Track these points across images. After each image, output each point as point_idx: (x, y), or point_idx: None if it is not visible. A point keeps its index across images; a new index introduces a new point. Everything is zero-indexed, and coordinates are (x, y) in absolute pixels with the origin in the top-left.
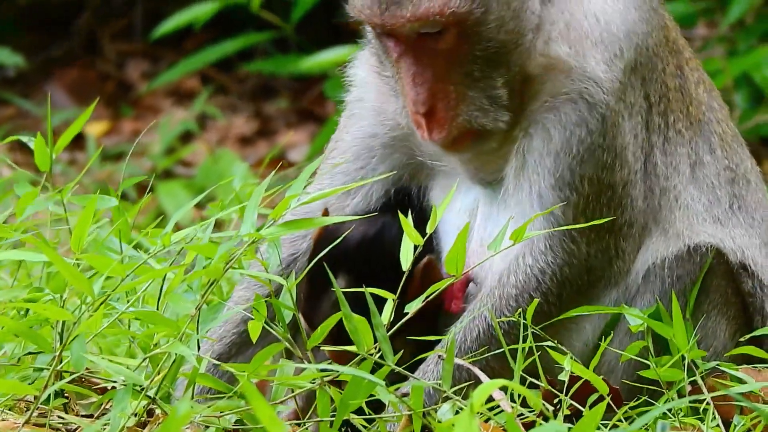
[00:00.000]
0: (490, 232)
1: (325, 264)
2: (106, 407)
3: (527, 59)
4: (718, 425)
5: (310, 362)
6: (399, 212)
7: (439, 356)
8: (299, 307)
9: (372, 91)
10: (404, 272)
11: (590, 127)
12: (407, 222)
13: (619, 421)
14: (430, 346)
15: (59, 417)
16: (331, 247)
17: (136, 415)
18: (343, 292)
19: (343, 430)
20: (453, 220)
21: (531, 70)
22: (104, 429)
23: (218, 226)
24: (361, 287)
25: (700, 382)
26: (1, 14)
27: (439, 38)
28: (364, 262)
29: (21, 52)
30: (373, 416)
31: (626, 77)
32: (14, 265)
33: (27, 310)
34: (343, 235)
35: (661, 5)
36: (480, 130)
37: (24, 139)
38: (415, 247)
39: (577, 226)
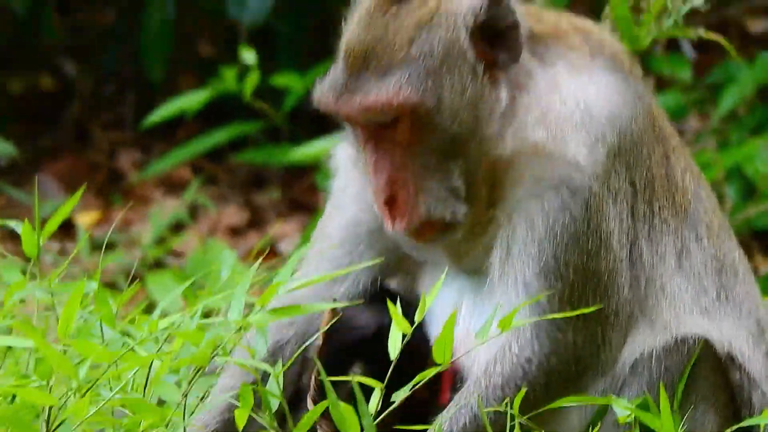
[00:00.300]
0: (477, 321)
1: (338, 351)
2: None
3: (493, 148)
4: None
5: None
6: (388, 300)
7: None
8: (312, 395)
9: (355, 179)
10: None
11: (574, 214)
12: (395, 310)
13: None
14: None
15: None
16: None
17: None
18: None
19: None
20: (440, 309)
21: (501, 156)
22: None
23: (206, 315)
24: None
25: None
26: None
27: (395, 128)
28: (384, 350)
29: (12, 141)
30: None
31: (610, 162)
32: (1, 351)
33: (14, 396)
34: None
35: (646, 92)
36: (442, 222)
37: (11, 224)
38: (404, 336)
39: (564, 314)
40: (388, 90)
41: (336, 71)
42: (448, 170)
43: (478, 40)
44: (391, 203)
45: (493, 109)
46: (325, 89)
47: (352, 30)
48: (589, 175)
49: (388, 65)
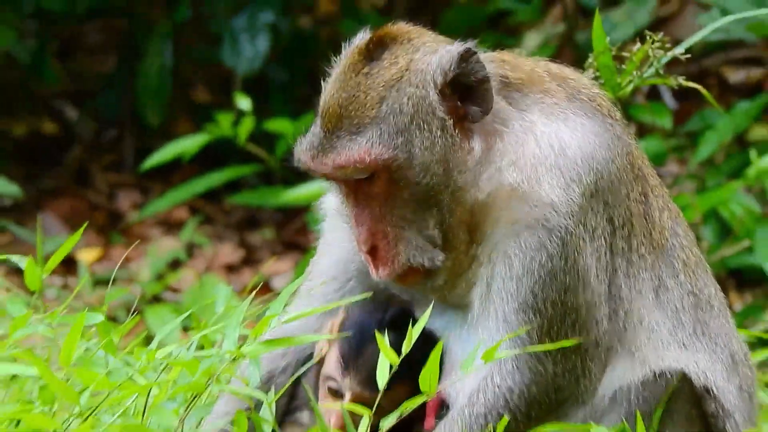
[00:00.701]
0: (461, 354)
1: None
2: None
3: (467, 192)
4: None
5: None
6: (376, 332)
7: None
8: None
9: (341, 225)
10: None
11: (550, 251)
12: (383, 341)
13: None
14: None
15: None
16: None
17: None
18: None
19: None
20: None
21: (477, 200)
22: None
23: (202, 346)
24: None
25: None
26: None
27: (372, 182)
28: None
29: (16, 182)
30: None
31: (586, 201)
32: (7, 379)
33: (18, 421)
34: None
35: (626, 134)
36: (422, 268)
37: (15, 259)
38: (391, 367)
39: (543, 347)
40: (360, 148)
41: (313, 130)
42: (424, 220)
43: (448, 95)
44: (373, 253)
45: (464, 160)
46: (304, 149)
47: (328, 89)
48: (564, 215)
49: (359, 124)
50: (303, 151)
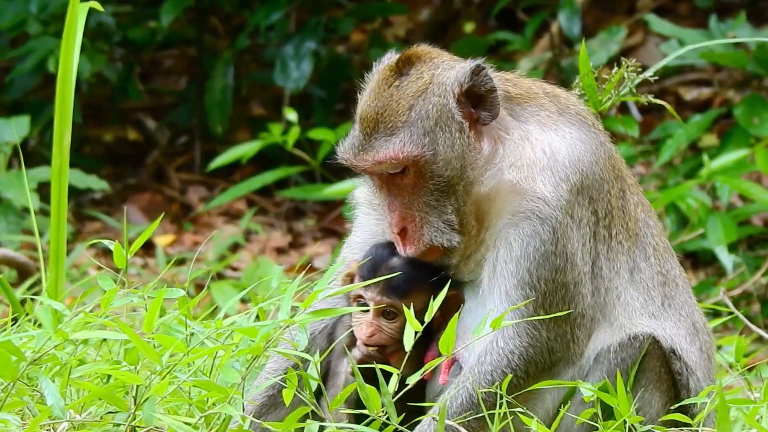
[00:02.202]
0: (472, 321)
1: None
2: None
3: (476, 186)
4: None
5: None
6: (404, 306)
7: (433, 418)
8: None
9: (370, 211)
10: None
11: (543, 238)
12: (409, 312)
13: None
14: (425, 410)
15: None
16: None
17: None
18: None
19: None
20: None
21: (481, 193)
22: None
23: (259, 317)
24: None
25: None
26: (91, 151)
27: (403, 176)
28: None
29: (105, 179)
30: None
31: (573, 197)
32: (98, 343)
33: (109, 377)
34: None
35: (607, 141)
36: (442, 248)
37: (105, 242)
38: (415, 333)
39: (539, 318)
40: (394, 148)
41: (353, 134)
42: (444, 207)
43: (464, 103)
44: (402, 234)
45: (477, 157)
46: (346, 149)
47: (364, 100)
48: (554, 207)
49: (393, 128)
50: (345, 150)
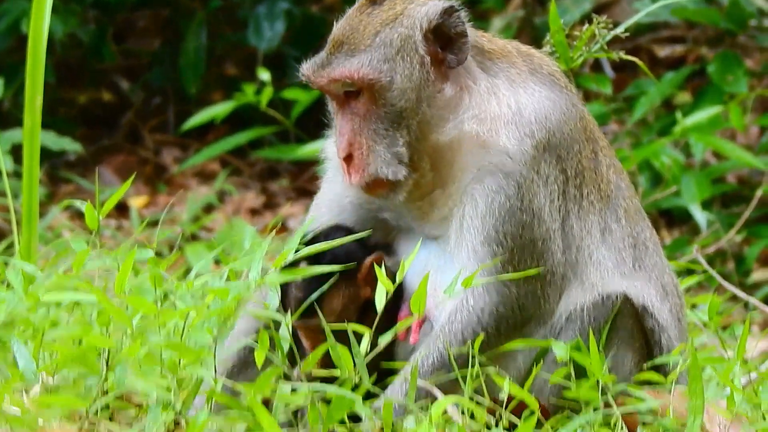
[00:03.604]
0: (442, 280)
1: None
2: (142, 418)
3: (434, 130)
4: None
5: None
6: (375, 264)
7: (405, 378)
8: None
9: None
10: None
11: (508, 193)
12: (381, 271)
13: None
14: (396, 371)
15: (105, 427)
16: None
17: (165, 424)
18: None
19: None
20: (413, 269)
21: (440, 141)
22: None
23: (232, 278)
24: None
25: (611, 400)
26: (65, 113)
27: (357, 99)
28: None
29: (79, 141)
30: (353, 427)
31: (539, 153)
32: (70, 306)
33: (80, 341)
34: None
35: (579, 103)
36: (387, 181)
37: (77, 203)
38: (387, 293)
39: (509, 276)
40: (351, 67)
41: (319, 54)
42: (395, 138)
43: (431, 40)
44: (348, 160)
45: (434, 96)
46: (308, 66)
47: (338, 25)
48: (518, 162)
49: (355, 49)
50: (307, 67)
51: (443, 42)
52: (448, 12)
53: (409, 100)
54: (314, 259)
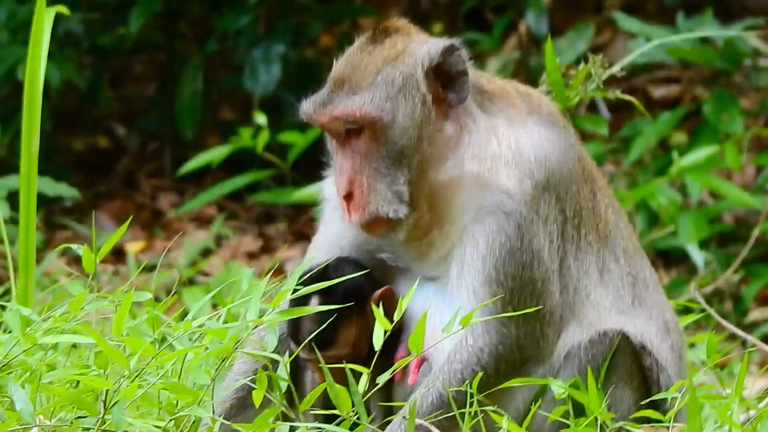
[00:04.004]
0: (441, 320)
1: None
2: None
3: (433, 167)
4: None
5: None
6: (372, 304)
7: (404, 417)
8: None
9: (338, 205)
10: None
11: (508, 233)
12: (378, 311)
13: None
14: (395, 410)
15: None
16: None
17: None
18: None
19: None
20: (412, 310)
21: (442, 180)
22: None
23: (229, 319)
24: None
25: None
26: (61, 159)
27: (359, 137)
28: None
29: (76, 187)
30: None
31: (538, 193)
32: (68, 348)
33: (78, 382)
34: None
35: (578, 143)
36: (387, 219)
37: (74, 247)
38: (385, 332)
39: (508, 315)
40: (354, 105)
41: (319, 91)
42: (395, 176)
43: (432, 79)
44: (348, 199)
45: (436, 134)
46: (308, 103)
47: (338, 63)
48: (518, 202)
49: (357, 87)
50: (308, 105)
51: (444, 81)
52: (450, 51)
53: (410, 139)
54: (326, 291)
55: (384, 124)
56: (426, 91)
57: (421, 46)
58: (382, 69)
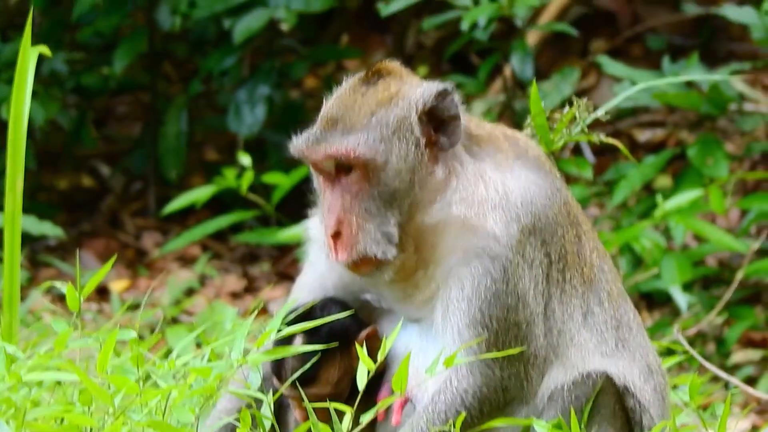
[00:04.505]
0: (425, 361)
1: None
2: None
3: (421, 211)
4: None
5: None
6: (356, 344)
7: None
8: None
9: (323, 245)
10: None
11: (494, 276)
12: (362, 351)
13: None
14: None
15: None
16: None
17: None
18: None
19: None
20: (395, 351)
21: (425, 222)
22: None
23: (213, 358)
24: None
25: None
26: (45, 198)
27: (349, 177)
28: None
29: (60, 226)
30: None
31: (524, 237)
32: (52, 386)
33: (62, 420)
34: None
35: (563, 187)
36: (375, 260)
37: (58, 285)
38: (368, 372)
39: (492, 355)
40: (348, 145)
41: (310, 130)
42: (386, 218)
43: (425, 122)
44: (336, 238)
45: (428, 178)
46: (301, 140)
47: (330, 102)
48: (504, 245)
49: (351, 128)
50: (300, 142)
51: (436, 124)
52: (443, 95)
53: (403, 181)
54: (311, 331)
55: (377, 165)
56: (419, 135)
57: (414, 90)
58: (377, 111)
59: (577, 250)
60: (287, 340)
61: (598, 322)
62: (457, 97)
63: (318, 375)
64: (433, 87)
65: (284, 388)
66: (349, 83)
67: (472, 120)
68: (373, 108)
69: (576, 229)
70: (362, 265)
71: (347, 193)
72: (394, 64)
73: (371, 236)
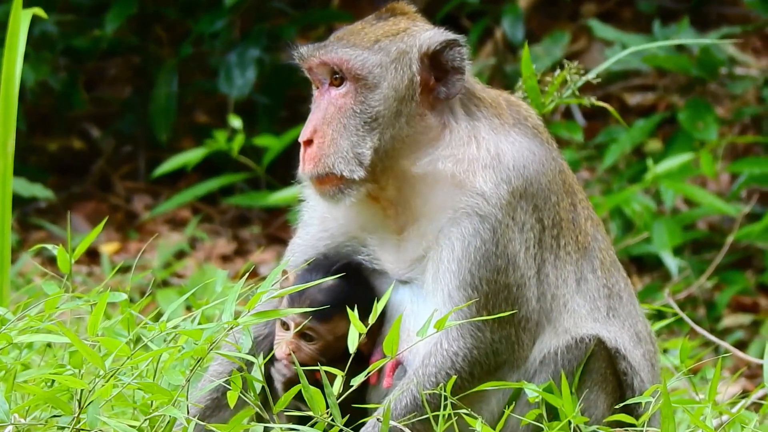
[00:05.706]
0: (416, 323)
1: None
2: None
3: (408, 155)
4: None
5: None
6: (347, 307)
7: (377, 420)
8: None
9: (317, 207)
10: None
11: (483, 237)
12: (353, 315)
13: None
14: (369, 413)
15: None
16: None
17: None
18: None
19: None
20: (387, 313)
21: (415, 173)
22: None
23: (203, 321)
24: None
25: None
26: (36, 160)
27: (341, 89)
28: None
29: (50, 188)
30: None
31: (515, 199)
32: (43, 348)
33: (53, 382)
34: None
35: (559, 156)
36: (340, 177)
37: (48, 247)
38: (359, 335)
39: (482, 318)
40: (344, 56)
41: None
42: (363, 139)
43: (426, 65)
44: (307, 145)
45: (415, 117)
46: (303, 47)
47: (340, 29)
48: (493, 205)
49: (353, 45)
50: (304, 48)
51: (438, 72)
52: (450, 44)
53: (388, 109)
54: (330, 270)
55: (368, 83)
56: (416, 72)
57: (423, 32)
58: (381, 39)
59: (572, 218)
60: (311, 272)
61: (590, 289)
62: (465, 51)
63: (332, 316)
64: (444, 34)
65: (300, 315)
66: (363, 19)
67: (479, 83)
68: (378, 36)
69: (571, 198)
70: (326, 180)
71: (332, 105)
72: (411, 7)
73: (342, 153)
